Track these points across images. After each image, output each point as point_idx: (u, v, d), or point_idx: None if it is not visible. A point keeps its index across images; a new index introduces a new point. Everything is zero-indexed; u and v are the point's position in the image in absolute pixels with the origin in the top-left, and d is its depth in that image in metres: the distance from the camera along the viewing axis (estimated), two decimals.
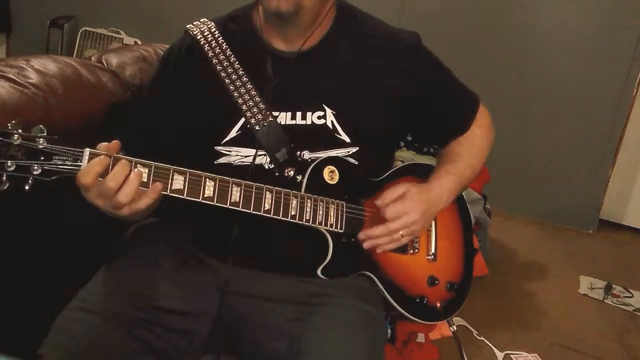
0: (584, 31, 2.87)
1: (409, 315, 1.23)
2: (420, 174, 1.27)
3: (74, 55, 3.54)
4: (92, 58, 1.54)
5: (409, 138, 2.26)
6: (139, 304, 1.09)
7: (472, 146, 1.31)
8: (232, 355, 1.17)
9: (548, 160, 3.06)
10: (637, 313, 2.35)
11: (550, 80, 2.96)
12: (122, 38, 3.53)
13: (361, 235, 1.16)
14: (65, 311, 1.06)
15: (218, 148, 1.16)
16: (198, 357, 1.14)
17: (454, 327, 1.58)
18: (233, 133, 1.16)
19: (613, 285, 2.50)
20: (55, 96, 1.26)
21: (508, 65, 3.00)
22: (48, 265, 1.27)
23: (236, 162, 1.15)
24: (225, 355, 1.16)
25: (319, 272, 1.13)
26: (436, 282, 1.28)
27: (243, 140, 1.15)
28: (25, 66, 1.28)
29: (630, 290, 2.49)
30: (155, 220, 1.25)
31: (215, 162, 1.16)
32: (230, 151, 1.16)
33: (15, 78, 1.23)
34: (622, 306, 2.39)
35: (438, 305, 1.27)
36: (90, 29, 3.57)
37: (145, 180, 0.93)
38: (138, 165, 0.93)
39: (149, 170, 0.94)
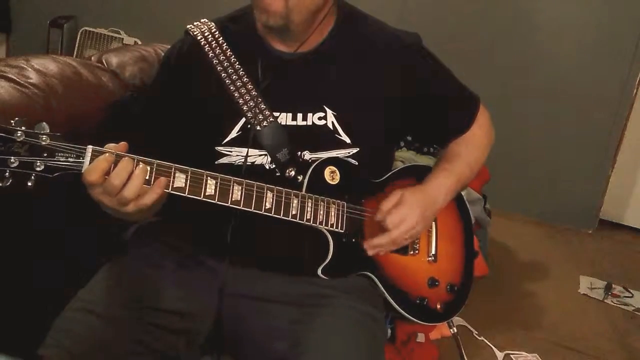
0: (584, 31, 2.87)
1: (409, 317, 1.23)
2: (421, 175, 1.27)
3: (74, 55, 3.53)
4: (92, 58, 1.54)
5: (409, 138, 2.25)
6: (139, 305, 1.09)
7: (472, 146, 1.31)
8: (232, 356, 1.17)
9: (548, 160, 3.05)
10: (637, 313, 2.35)
11: (551, 79, 2.96)
12: (122, 38, 3.52)
13: (365, 245, 1.16)
14: (65, 312, 1.06)
15: (219, 148, 1.16)
16: (198, 358, 1.14)
17: (454, 328, 1.58)
18: (234, 133, 1.16)
19: (613, 285, 2.50)
20: (55, 96, 1.26)
21: (508, 65, 3.00)
22: (48, 265, 1.27)
23: (237, 162, 1.15)
24: (226, 356, 1.16)
25: (319, 271, 1.13)
26: (436, 283, 1.28)
27: (244, 140, 1.15)
28: (25, 66, 1.28)
29: (630, 290, 2.49)
30: (155, 221, 1.25)
31: (216, 163, 1.16)
32: (231, 151, 1.16)
33: (15, 78, 1.23)
34: (622, 306, 2.38)
35: (438, 306, 1.27)
36: (90, 29, 3.56)
37: (148, 177, 0.93)
38: (140, 162, 0.93)
39: (151, 168, 0.93)
